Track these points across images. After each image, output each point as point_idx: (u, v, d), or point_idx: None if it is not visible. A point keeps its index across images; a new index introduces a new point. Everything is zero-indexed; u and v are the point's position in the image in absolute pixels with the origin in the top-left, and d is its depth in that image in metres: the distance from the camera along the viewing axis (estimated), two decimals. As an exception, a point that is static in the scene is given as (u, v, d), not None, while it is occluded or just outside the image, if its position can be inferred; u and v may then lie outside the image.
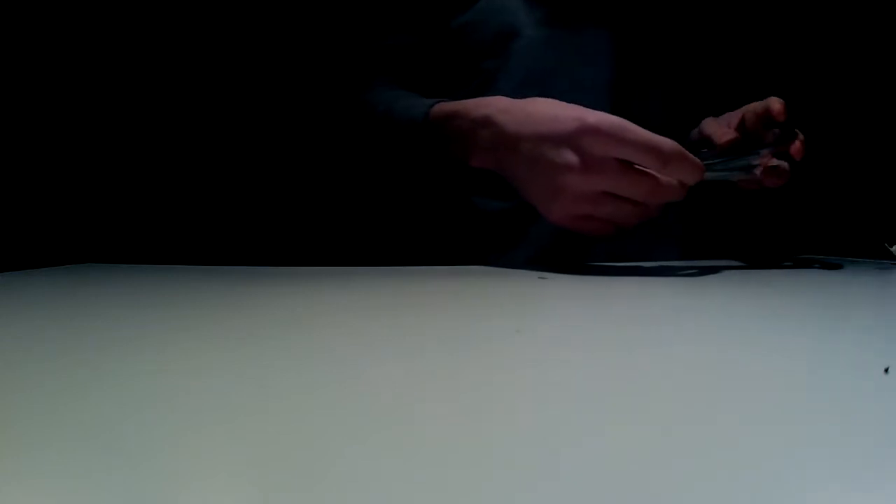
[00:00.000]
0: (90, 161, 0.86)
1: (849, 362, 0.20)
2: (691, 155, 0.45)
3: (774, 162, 0.53)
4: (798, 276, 0.51)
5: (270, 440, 0.13)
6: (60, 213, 0.84)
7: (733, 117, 0.58)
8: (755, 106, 0.56)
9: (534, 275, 0.48)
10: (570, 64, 0.63)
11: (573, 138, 0.45)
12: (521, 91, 0.62)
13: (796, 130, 0.54)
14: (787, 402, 0.15)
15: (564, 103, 0.49)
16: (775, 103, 0.54)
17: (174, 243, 0.86)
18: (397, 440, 0.13)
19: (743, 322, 0.29)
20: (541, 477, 0.11)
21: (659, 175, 0.45)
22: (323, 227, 0.78)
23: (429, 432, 0.13)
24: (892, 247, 0.57)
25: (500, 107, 0.51)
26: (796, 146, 0.53)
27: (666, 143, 0.44)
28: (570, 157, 0.46)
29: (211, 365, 0.19)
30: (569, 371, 0.19)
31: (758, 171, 0.53)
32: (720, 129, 0.57)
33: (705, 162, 0.49)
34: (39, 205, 0.83)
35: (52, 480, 0.11)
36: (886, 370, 0.17)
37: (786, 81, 0.93)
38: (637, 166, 0.45)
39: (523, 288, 0.41)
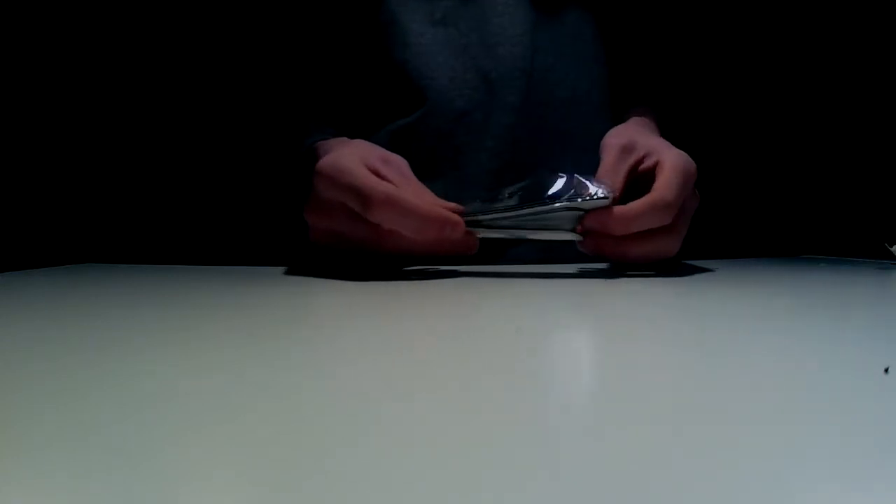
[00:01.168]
0: (90, 161, 0.86)
1: (849, 362, 0.20)
2: (404, 202, 0.42)
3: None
4: (798, 276, 0.51)
5: (270, 440, 0.13)
6: (60, 213, 0.84)
7: (622, 162, 0.47)
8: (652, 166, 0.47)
9: (527, 278, 0.48)
10: (475, 56, 0.61)
11: (313, 177, 0.47)
12: (413, 103, 0.60)
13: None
14: (787, 402, 0.15)
15: (360, 147, 0.49)
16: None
17: (174, 243, 0.86)
18: (398, 440, 0.13)
19: (742, 322, 0.29)
20: (540, 477, 0.11)
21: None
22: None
23: (429, 432, 0.13)
24: (892, 247, 0.57)
25: (336, 144, 0.52)
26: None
27: (373, 188, 0.42)
28: (312, 196, 0.48)
29: (211, 365, 0.19)
30: (568, 370, 0.19)
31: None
32: (612, 166, 0.47)
33: (483, 213, 0.43)
34: (39, 205, 0.83)
35: (52, 480, 0.11)
36: (886, 370, 0.17)
37: (786, 81, 0.93)
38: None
39: (522, 288, 0.41)
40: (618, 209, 0.44)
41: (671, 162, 0.47)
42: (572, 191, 0.43)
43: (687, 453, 0.12)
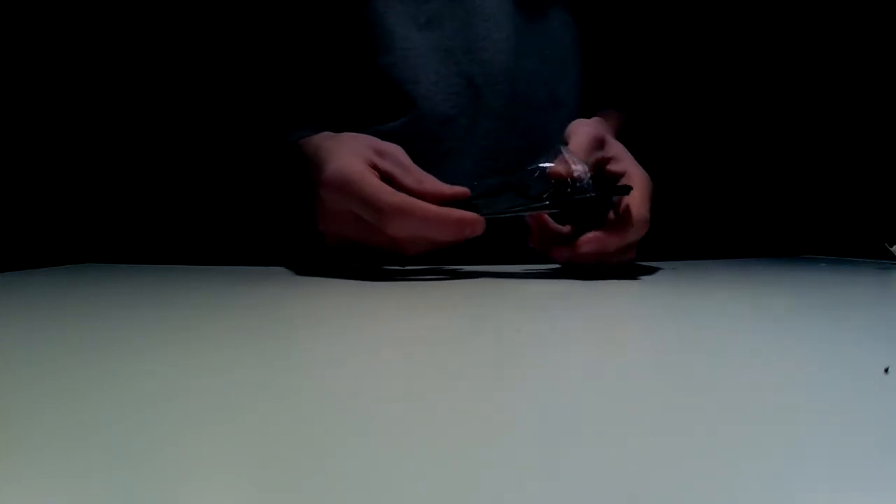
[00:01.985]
0: (90, 161, 0.86)
1: (849, 362, 0.20)
2: (418, 210, 0.43)
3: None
4: (798, 276, 0.51)
5: (270, 440, 0.13)
6: (60, 213, 0.84)
7: (584, 145, 0.47)
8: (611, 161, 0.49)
9: (528, 279, 0.48)
10: (459, 61, 0.61)
11: (318, 188, 0.47)
12: (397, 103, 0.60)
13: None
14: (787, 401, 0.15)
15: (352, 144, 0.48)
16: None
17: (174, 243, 0.86)
18: (398, 440, 0.13)
19: (743, 322, 0.29)
20: (540, 477, 0.11)
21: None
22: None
23: (429, 432, 0.13)
24: (892, 247, 0.57)
25: (325, 136, 0.52)
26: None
27: (385, 200, 0.42)
28: (321, 206, 0.48)
29: (211, 365, 0.19)
30: (568, 371, 0.19)
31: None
32: (583, 151, 0.47)
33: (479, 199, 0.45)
34: (39, 205, 0.83)
35: (52, 480, 0.11)
36: (886, 370, 0.17)
37: (787, 82, 0.93)
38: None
39: (523, 288, 0.41)
40: (610, 232, 0.46)
41: (641, 180, 0.48)
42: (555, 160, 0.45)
43: (687, 453, 0.12)
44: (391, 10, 0.61)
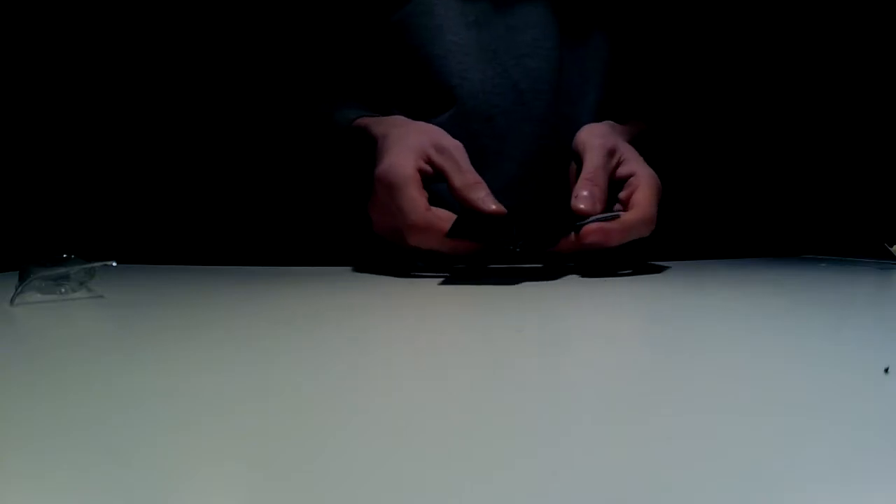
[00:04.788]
0: (91, 161, 0.86)
1: (849, 362, 0.20)
2: (434, 232, 0.46)
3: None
4: (798, 276, 0.51)
5: (270, 439, 0.13)
6: (61, 213, 0.84)
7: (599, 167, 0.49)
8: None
9: (532, 279, 0.48)
10: (504, 63, 0.62)
11: (375, 177, 0.50)
12: (438, 98, 0.61)
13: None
14: (787, 401, 0.15)
15: (415, 138, 0.50)
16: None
17: (175, 243, 0.86)
18: (397, 440, 0.13)
19: (743, 322, 0.29)
20: (540, 477, 0.11)
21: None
22: (321, 229, 0.78)
23: (429, 431, 0.13)
24: (892, 247, 0.57)
25: (395, 123, 0.54)
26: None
27: (410, 216, 0.46)
28: (374, 196, 0.51)
29: (211, 364, 0.19)
30: (569, 371, 0.19)
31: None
32: (602, 166, 0.49)
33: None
34: (40, 205, 0.83)
35: (53, 480, 0.11)
36: (886, 370, 0.17)
37: (787, 82, 0.93)
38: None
39: (524, 288, 0.41)
40: (618, 223, 0.47)
41: (649, 178, 0.50)
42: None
43: (686, 452, 0.12)
44: (441, 2, 0.62)
